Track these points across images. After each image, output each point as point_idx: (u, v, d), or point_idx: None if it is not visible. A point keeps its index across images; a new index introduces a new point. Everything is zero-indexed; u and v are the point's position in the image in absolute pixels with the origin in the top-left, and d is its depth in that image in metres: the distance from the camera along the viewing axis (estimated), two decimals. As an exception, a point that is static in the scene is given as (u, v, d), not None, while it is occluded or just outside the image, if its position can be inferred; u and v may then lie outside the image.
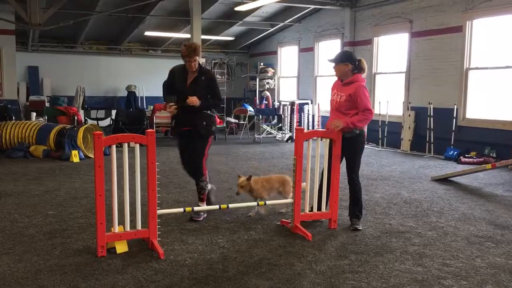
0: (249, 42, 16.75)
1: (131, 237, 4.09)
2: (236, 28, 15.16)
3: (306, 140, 4.74)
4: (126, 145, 3.97)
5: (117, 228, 4.03)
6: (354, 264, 3.82)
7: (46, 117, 11.22)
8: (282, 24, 14.51)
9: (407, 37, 10.79)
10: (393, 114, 11.10)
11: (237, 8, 11.50)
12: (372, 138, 11.39)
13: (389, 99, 11.20)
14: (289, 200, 4.71)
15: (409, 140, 10.57)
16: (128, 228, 4.06)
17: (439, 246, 4.26)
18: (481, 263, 3.88)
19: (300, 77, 14.74)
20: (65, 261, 3.81)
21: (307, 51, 14.31)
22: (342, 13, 12.47)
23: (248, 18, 13.75)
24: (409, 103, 10.69)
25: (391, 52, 11.53)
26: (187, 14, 11.59)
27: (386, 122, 11.10)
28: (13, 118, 10.80)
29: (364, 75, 4.80)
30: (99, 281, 3.42)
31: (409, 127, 10.57)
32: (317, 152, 4.73)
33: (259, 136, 12.63)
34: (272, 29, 15.19)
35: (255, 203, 4.87)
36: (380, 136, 11.23)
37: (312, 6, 12.68)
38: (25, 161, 8.68)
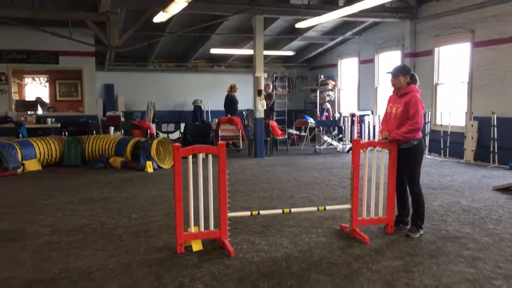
0: (310, 55, 17.17)
1: (205, 236, 4.62)
2: (297, 43, 15.63)
3: (364, 151, 5.07)
4: (200, 155, 4.51)
5: (193, 229, 4.57)
6: (408, 264, 4.11)
7: (122, 131, 12.20)
8: (342, 37, 14.82)
9: (468, 47, 10.77)
10: (455, 124, 11.07)
11: (297, 25, 11.97)
12: (434, 149, 11.41)
13: (451, 109, 11.18)
14: (347, 206, 5.06)
15: (472, 150, 10.50)
16: (202, 229, 4.60)
17: (493, 251, 4.45)
18: (534, 267, 4.04)
19: (361, 89, 14.93)
20: (150, 256, 4.39)
21: (367, 63, 14.50)
22: (402, 25, 12.60)
23: (308, 33, 14.20)
24: (472, 113, 10.64)
25: (452, 62, 11.52)
26: (250, 31, 12.21)
27: (448, 133, 11.08)
28: (94, 132, 11.84)
29: (417, 86, 5.10)
30: (180, 273, 3.95)
31: (472, 137, 10.50)
32: (374, 162, 5.07)
33: (320, 147, 12.95)
34: (332, 43, 15.53)
35: (315, 208, 5.26)
36: (442, 147, 11.21)
37: (372, 20, 12.91)
38: (106, 171, 9.56)
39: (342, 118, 14.03)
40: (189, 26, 12.22)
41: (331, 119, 14.91)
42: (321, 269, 4.02)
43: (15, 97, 14.22)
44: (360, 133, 13.20)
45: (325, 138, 13.50)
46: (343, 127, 13.61)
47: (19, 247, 4.69)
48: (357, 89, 15.08)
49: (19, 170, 9.14)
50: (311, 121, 14.35)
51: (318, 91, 16.08)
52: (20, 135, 11.05)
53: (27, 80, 16.24)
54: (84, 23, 11.07)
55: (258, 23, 11.40)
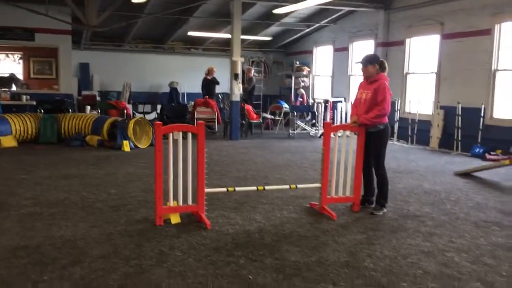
0: (286, 41, 17.42)
1: (183, 210, 4.89)
2: (274, 29, 15.86)
3: (334, 135, 5.40)
4: (180, 133, 4.75)
5: (172, 203, 4.82)
6: (371, 238, 4.48)
7: (99, 110, 12.25)
8: (317, 25, 15.11)
9: (438, 38, 11.22)
10: (423, 112, 11.56)
11: (275, 11, 12.19)
12: (402, 136, 11.89)
13: (419, 98, 11.66)
14: (317, 185, 5.40)
15: (437, 138, 11.01)
16: (181, 203, 4.86)
17: (448, 228, 4.86)
18: (483, 241, 4.46)
19: (335, 76, 15.30)
20: (130, 227, 4.63)
21: (341, 50, 14.85)
22: (376, 15, 12.96)
23: (285, 19, 14.43)
24: (439, 102, 11.13)
25: (422, 53, 11.97)
26: (227, 15, 12.37)
27: (416, 120, 11.56)
28: (70, 111, 11.85)
29: (385, 74, 5.43)
30: (160, 242, 4.22)
31: (438, 125, 11.00)
32: (343, 145, 5.40)
33: (293, 131, 13.29)
34: (308, 30, 15.80)
35: (287, 186, 5.58)
36: (410, 134, 11.70)
37: (347, 8, 13.22)
38: (83, 149, 9.67)
39: (315, 104, 14.39)
40: (168, 8, 12.30)
41: (305, 104, 15.26)
42: (291, 241, 4.35)
43: (-12, 73, 14.04)
44: (332, 119, 13.59)
45: (299, 123, 13.85)
46: (316, 112, 13.97)
47: (2, 217, 4.86)
48: (331, 76, 15.44)
49: (-5, 146, 9.18)
50: (285, 106, 14.66)
51: (293, 77, 16.37)
52: (-5, 112, 11.01)
53: (0, 56, 15.99)
54: (61, 0, 11.01)
55: (236, 8, 11.57)
